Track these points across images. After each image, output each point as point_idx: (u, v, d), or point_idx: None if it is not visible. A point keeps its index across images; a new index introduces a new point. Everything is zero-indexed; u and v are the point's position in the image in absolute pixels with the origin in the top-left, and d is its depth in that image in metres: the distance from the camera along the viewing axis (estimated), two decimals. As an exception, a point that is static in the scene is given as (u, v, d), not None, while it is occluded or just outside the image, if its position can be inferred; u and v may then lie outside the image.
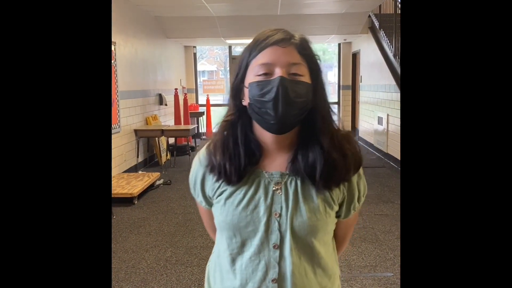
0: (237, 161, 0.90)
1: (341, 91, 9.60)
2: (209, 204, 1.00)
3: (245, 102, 0.90)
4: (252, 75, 0.86)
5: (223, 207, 0.92)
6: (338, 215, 0.97)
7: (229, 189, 0.92)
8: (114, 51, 5.15)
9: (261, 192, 0.91)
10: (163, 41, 7.39)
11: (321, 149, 0.88)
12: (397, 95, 6.09)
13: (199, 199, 1.01)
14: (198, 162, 0.97)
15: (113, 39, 5.11)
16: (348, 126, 9.52)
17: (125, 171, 5.51)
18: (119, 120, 5.35)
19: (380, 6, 6.95)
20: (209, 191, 0.96)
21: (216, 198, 0.95)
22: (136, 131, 5.92)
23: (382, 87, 6.87)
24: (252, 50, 0.87)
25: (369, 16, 7.31)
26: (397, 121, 6.12)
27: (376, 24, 7.17)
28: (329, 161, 0.87)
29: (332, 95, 12.75)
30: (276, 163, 0.93)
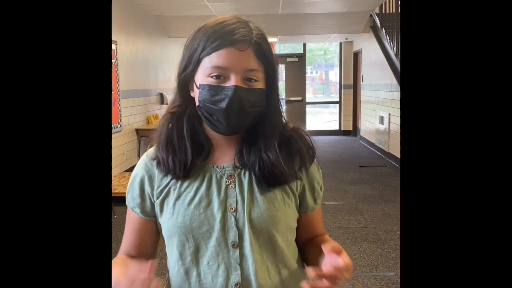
0: (183, 155, 0.83)
1: (342, 90, 9.60)
2: (145, 212, 0.88)
3: (194, 95, 0.83)
4: (204, 74, 0.79)
5: (172, 210, 0.83)
6: (303, 210, 0.91)
7: (178, 189, 0.84)
8: (115, 50, 5.15)
9: (213, 187, 0.84)
10: (164, 40, 7.39)
11: (263, 151, 0.84)
12: (398, 95, 6.08)
13: (133, 203, 0.89)
14: (146, 157, 0.89)
15: (114, 38, 5.11)
16: (349, 126, 9.54)
17: (126, 170, 5.51)
18: (120, 119, 5.35)
19: (381, 5, 6.94)
20: (154, 189, 0.86)
21: (162, 201, 0.85)
22: (137, 130, 5.93)
23: (383, 86, 6.86)
24: (206, 45, 0.78)
25: (371, 15, 7.30)
26: (399, 121, 6.12)
27: (378, 23, 7.16)
28: (268, 165, 0.83)
29: (333, 95, 12.77)
30: (227, 156, 0.87)
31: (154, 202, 0.87)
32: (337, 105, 9.84)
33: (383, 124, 6.93)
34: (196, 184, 0.84)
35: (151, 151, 0.88)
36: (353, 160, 6.70)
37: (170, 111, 0.87)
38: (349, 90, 9.45)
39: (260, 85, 0.81)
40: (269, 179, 0.84)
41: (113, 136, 5.10)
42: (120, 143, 5.37)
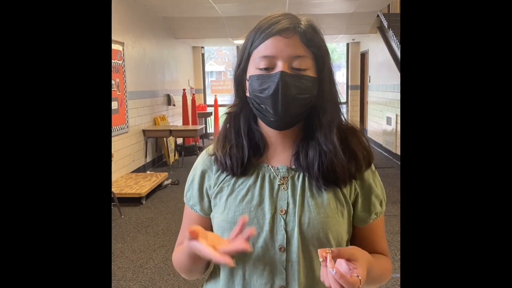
0: (241, 152, 0.84)
1: (349, 91, 9.56)
2: (204, 210, 0.90)
3: (248, 93, 0.84)
4: (253, 68, 0.80)
5: (224, 205, 0.84)
6: (355, 223, 0.87)
7: (232, 185, 0.85)
8: (122, 51, 5.18)
9: (266, 187, 0.83)
10: (171, 41, 7.41)
11: (323, 144, 0.81)
12: (406, 95, 6.05)
13: (192, 201, 0.91)
14: (205, 154, 0.91)
15: (121, 40, 5.13)
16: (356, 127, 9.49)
17: (133, 171, 5.54)
18: (127, 121, 5.37)
19: (388, 5, 6.91)
20: (211, 184, 0.88)
21: (216, 196, 0.86)
22: (144, 131, 5.95)
23: (390, 87, 6.83)
24: (254, 39, 0.80)
25: (378, 15, 7.27)
26: (406, 121, 6.08)
27: (385, 23, 7.13)
28: (328, 159, 0.80)
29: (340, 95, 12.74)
30: (282, 157, 0.86)
31: (211, 198, 0.88)
32: (344, 105, 9.82)
33: (390, 125, 6.89)
34: (249, 182, 0.84)
35: (211, 147, 0.90)
36: (360, 161, 6.67)
37: (227, 112, 0.89)
38: (356, 90, 9.42)
39: (310, 73, 0.80)
40: (327, 177, 0.81)
41: (119, 137, 5.13)
42: (127, 144, 5.40)
